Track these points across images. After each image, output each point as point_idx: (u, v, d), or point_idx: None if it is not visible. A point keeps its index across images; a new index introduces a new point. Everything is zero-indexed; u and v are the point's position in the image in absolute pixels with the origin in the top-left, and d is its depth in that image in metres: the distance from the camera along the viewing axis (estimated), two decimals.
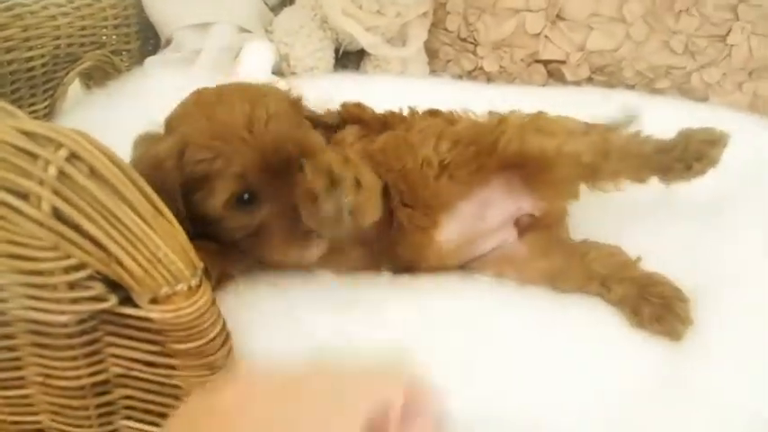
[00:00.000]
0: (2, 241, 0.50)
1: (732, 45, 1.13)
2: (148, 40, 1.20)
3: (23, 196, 0.48)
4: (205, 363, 0.56)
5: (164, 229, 0.52)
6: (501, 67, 1.21)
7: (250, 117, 0.60)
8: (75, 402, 0.58)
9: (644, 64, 1.16)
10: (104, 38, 1.09)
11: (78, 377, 0.57)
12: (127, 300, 0.53)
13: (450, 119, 0.79)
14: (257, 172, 0.60)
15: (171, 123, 0.65)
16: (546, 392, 0.62)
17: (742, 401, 0.63)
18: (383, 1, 1.08)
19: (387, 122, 0.77)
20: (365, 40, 1.12)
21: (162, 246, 0.52)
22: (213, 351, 0.56)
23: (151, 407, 0.59)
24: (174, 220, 0.54)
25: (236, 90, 0.65)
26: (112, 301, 0.53)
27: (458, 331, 0.65)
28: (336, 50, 1.17)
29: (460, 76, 1.23)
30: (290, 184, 0.60)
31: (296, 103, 0.68)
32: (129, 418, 0.60)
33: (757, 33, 1.13)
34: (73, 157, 0.49)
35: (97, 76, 1.11)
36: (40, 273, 0.51)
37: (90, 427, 0.60)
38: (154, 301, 0.53)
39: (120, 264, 0.51)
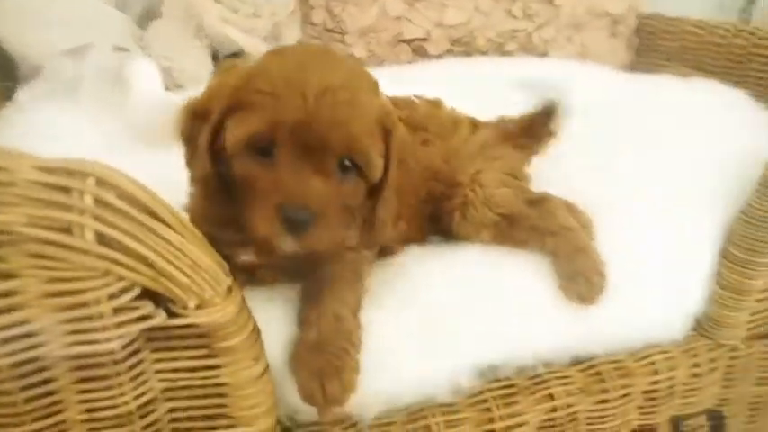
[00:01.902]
0: (42, 282, 0.50)
1: (559, 6, 1.32)
2: (5, 76, 1.12)
3: (65, 230, 0.49)
4: (250, 353, 0.59)
5: (196, 238, 0.55)
6: (369, 51, 1.30)
7: (324, 90, 0.58)
8: (121, 430, 0.58)
9: (493, 32, 1.32)
10: None
11: (126, 402, 0.57)
12: (170, 312, 0.55)
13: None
14: (289, 135, 0.59)
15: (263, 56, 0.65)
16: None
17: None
18: (258, 3, 1.12)
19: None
20: (245, 42, 1.15)
21: (199, 253, 0.54)
22: (254, 341, 0.60)
23: (195, 413, 0.61)
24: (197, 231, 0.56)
25: (342, 65, 0.63)
26: (162, 316, 0.54)
27: None
28: (214, 56, 1.18)
29: None
30: (310, 168, 0.60)
31: (384, 109, 0.65)
32: (174, 431, 0.61)
33: None
34: (102, 183, 0.50)
35: None
36: (84, 304, 0.51)
37: None
38: (199, 306, 0.55)
39: (168, 277, 0.53)
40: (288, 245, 0.61)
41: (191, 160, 0.66)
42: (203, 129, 0.62)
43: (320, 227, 0.60)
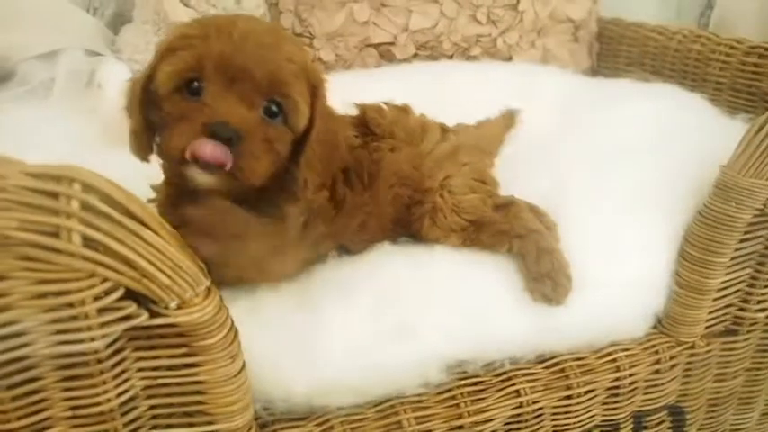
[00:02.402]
0: (30, 283, 0.52)
1: (522, 11, 1.37)
2: None
3: (53, 234, 0.51)
4: (227, 352, 0.62)
5: (176, 241, 0.57)
6: (337, 55, 1.33)
7: (251, 32, 0.63)
8: (104, 426, 0.60)
9: (458, 36, 1.35)
10: None
11: (108, 400, 0.59)
12: (152, 312, 0.57)
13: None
14: (215, 68, 0.62)
15: None
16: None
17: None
18: (228, 7, 1.14)
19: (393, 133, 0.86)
20: None
21: (180, 255, 0.57)
22: (232, 339, 0.62)
23: (175, 409, 0.63)
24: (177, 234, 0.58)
25: (271, 25, 0.69)
26: (144, 315, 0.56)
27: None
28: None
29: None
30: (236, 98, 0.63)
31: (311, 65, 0.69)
32: (155, 427, 0.63)
33: None
34: (87, 188, 0.52)
35: None
36: (70, 305, 0.53)
37: None
38: (180, 306, 0.57)
39: (151, 278, 0.55)
40: None
41: (128, 117, 0.69)
42: (138, 81, 0.66)
43: (245, 151, 0.62)
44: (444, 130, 0.91)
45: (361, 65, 1.35)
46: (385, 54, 1.35)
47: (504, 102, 1.24)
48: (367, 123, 0.86)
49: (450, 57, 1.37)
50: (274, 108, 0.65)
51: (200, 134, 0.61)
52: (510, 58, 1.38)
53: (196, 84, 0.63)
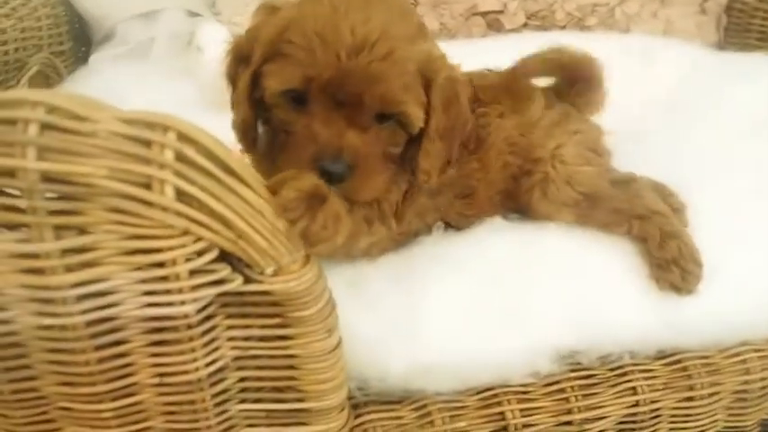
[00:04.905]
0: (119, 239, 0.48)
1: None
2: (80, 39, 1.12)
3: (145, 185, 0.46)
4: (324, 326, 0.57)
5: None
6: (441, 23, 1.26)
7: (361, 46, 0.58)
8: (191, 397, 0.56)
9: (572, 5, 1.25)
10: (41, 40, 1.01)
11: (197, 369, 0.55)
12: (247, 277, 0.52)
13: None
14: (322, 90, 0.59)
15: None
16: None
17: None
18: None
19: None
20: None
21: (278, 217, 0.52)
22: (329, 312, 0.57)
23: (265, 384, 0.59)
24: None
25: (382, 9, 0.60)
26: (238, 280, 0.52)
27: None
28: None
29: None
30: (344, 120, 0.60)
31: (426, 56, 0.63)
32: (243, 401, 0.59)
33: None
34: (183, 138, 0.48)
35: (35, 83, 1.03)
36: (161, 264, 0.49)
37: (207, 419, 0.58)
38: (276, 273, 0.52)
39: (247, 239, 0.50)
40: None
41: (233, 103, 0.66)
42: (244, 74, 0.62)
43: (357, 177, 0.60)
44: (551, 96, 0.83)
45: (466, 34, 1.27)
46: (493, 23, 1.27)
47: (621, 77, 1.14)
48: (473, 90, 0.79)
49: (563, 27, 1.26)
50: (386, 113, 0.61)
51: (312, 170, 0.58)
52: (628, 30, 1.27)
53: (302, 94, 0.60)
